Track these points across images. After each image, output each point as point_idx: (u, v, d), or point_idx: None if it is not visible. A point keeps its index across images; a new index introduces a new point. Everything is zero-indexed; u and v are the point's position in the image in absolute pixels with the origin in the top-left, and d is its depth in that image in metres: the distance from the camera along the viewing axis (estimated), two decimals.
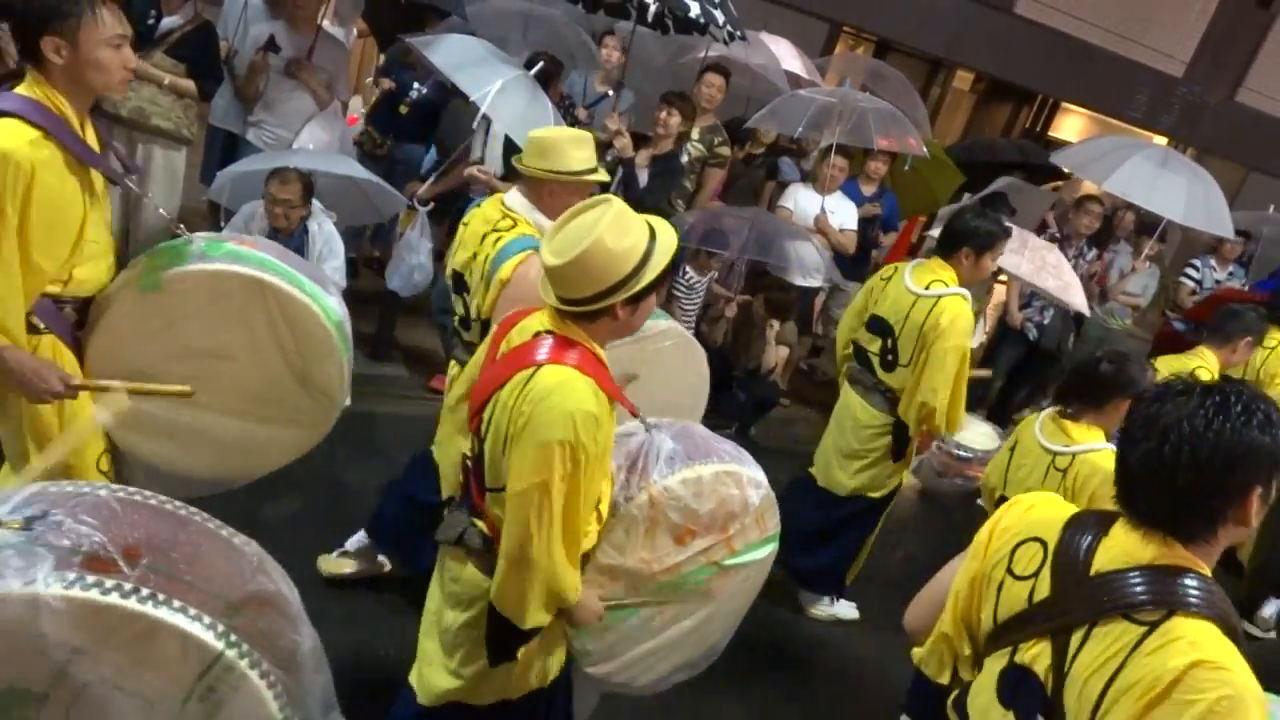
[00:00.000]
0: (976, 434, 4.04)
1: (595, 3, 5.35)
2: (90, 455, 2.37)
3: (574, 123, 5.64)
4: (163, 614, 1.27)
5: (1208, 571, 1.43)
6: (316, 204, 4.20)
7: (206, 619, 1.31)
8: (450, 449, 2.32)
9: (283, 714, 1.38)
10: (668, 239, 1.93)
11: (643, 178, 4.79)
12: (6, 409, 2.29)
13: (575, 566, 2.00)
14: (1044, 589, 1.51)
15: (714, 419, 3.62)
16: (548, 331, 1.93)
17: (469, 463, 2.10)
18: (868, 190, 6.12)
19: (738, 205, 5.72)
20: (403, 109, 5.47)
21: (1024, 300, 6.06)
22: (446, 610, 2.19)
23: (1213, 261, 7.17)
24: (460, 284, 2.87)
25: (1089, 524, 1.52)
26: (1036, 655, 1.49)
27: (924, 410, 3.44)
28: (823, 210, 5.68)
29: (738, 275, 5.63)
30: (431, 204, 4.63)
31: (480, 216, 2.82)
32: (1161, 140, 10.92)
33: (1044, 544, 1.54)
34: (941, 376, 3.36)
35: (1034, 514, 1.62)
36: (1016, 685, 1.52)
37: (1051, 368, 6.51)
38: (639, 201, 4.80)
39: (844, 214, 5.77)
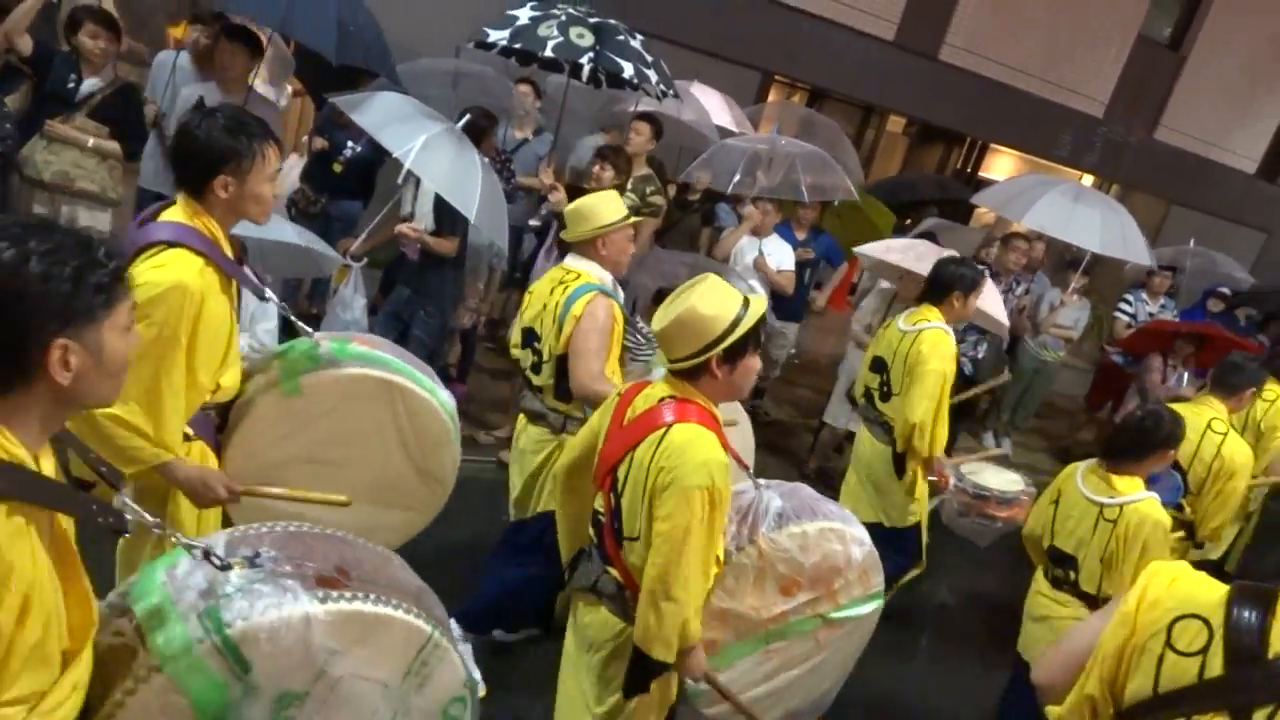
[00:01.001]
0: (996, 476, 4.29)
1: (529, 57, 5.45)
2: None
3: (510, 177, 5.71)
4: (389, 611, 1.58)
5: None
6: (246, 268, 4.17)
7: (415, 610, 1.62)
8: (567, 506, 2.54)
9: (469, 677, 1.71)
10: (758, 306, 2.22)
11: None
12: (154, 504, 2.29)
13: (699, 613, 2.22)
14: (1215, 667, 1.62)
15: None
16: (669, 396, 2.21)
17: (600, 517, 2.33)
18: (799, 235, 6.24)
19: (675, 250, 5.79)
20: (336, 167, 5.49)
21: (959, 336, 6.19)
22: (581, 653, 2.42)
23: (1144, 295, 7.43)
24: (531, 337, 3.25)
25: (1252, 601, 1.64)
26: None
27: (906, 427, 3.76)
28: (760, 253, 5.78)
29: None
30: (365, 259, 4.63)
31: (545, 279, 3.27)
32: (1088, 178, 11.34)
33: (1206, 622, 1.66)
34: (920, 392, 3.72)
35: (1181, 587, 1.73)
36: None
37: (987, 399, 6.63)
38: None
39: (781, 255, 5.88)
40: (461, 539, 4.19)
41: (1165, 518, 3.08)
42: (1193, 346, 6.01)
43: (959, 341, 6.11)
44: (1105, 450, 3.24)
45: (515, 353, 3.37)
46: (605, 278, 3.20)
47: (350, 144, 5.45)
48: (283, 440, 2.43)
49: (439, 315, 4.70)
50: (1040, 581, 3.40)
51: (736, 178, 5.85)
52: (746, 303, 2.21)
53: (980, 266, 6.45)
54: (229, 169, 2.20)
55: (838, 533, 2.46)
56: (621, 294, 3.32)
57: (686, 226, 6.46)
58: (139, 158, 4.70)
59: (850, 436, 5.96)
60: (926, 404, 3.70)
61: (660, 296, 5.25)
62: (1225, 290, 7.71)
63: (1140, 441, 3.16)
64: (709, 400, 2.24)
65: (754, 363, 2.25)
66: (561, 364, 3.11)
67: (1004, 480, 4.27)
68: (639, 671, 2.25)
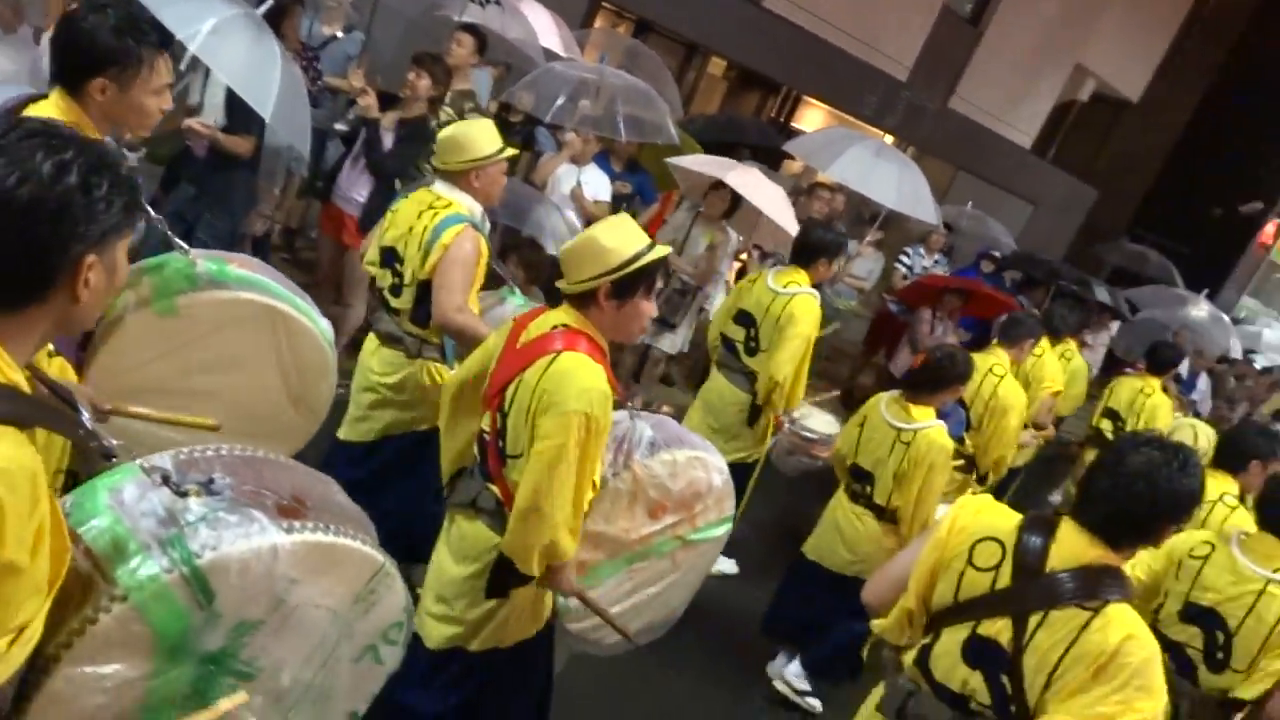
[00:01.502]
0: (820, 420, 4.70)
1: None
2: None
3: (317, 77, 5.31)
4: (347, 541, 1.60)
5: (1126, 569, 1.99)
6: None
7: (367, 539, 1.66)
8: (456, 425, 2.60)
9: (408, 603, 1.78)
10: (659, 252, 2.31)
11: (388, 140, 4.58)
12: None
13: (576, 533, 2.30)
14: (1005, 580, 1.99)
15: None
16: (562, 325, 2.29)
17: (486, 436, 2.41)
18: (616, 168, 6.23)
19: None
20: None
21: None
22: (452, 564, 2.50)
23: (922, 250, 8.00)
24: (392, 257, 3.18)
25: (1038, 528, 2.01)
26: (999, 630, 1.96)
27: (770, 384, 4.01)
28: (578, 184, 5.72)
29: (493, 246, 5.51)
30: (143, 150, 4.19)
31: (412, 201, 3.19)
32: (888, 138, 12.01)
33: (1001, 544, 2.01)
34: (786, 356, 3.97)
35: (984, 518, 2.08)
36: (980, 652, 1.99)
37: None
38: (381, 165, 4.59)
39: (597, 185, 5.84)
40: None
41: (949, 443, 3.60)
42: (960, 300, 6.64)
43: None
44: (907, 383, 3.71)
45: (373, 270, 3.30)
46: (475, 209, 3.16)
47: None
48: (152, 362, 2.30)
49: (227, 219, 4.34)
50: (841, 497, 3.84)
51: (559, 103, 5.73)
52: (652, 248, 2.29)
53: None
54: (110, 73, 2.04)
55: (702, 461, 2.69)
56: (488, 226, 3.29)
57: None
58: None
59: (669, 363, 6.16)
60: (791, 365, 3.99)
61: None
62: (996, 253, 8.47)
63: (938, 377, 3.63)
64: (599, 334, 2.31)
65: (645, 307, 2.34)
66: (423, 289, 3.08)
67: (824, 423, 4.71)
68: (502, 576, 2.37)
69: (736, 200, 5.29)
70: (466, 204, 3.13)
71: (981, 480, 4.72)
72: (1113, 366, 7.87)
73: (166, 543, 1.42)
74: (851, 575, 3.62)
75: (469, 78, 5.31)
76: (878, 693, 2.23)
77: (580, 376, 2.19)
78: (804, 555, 3.87)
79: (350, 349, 4.20)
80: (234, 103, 3.98)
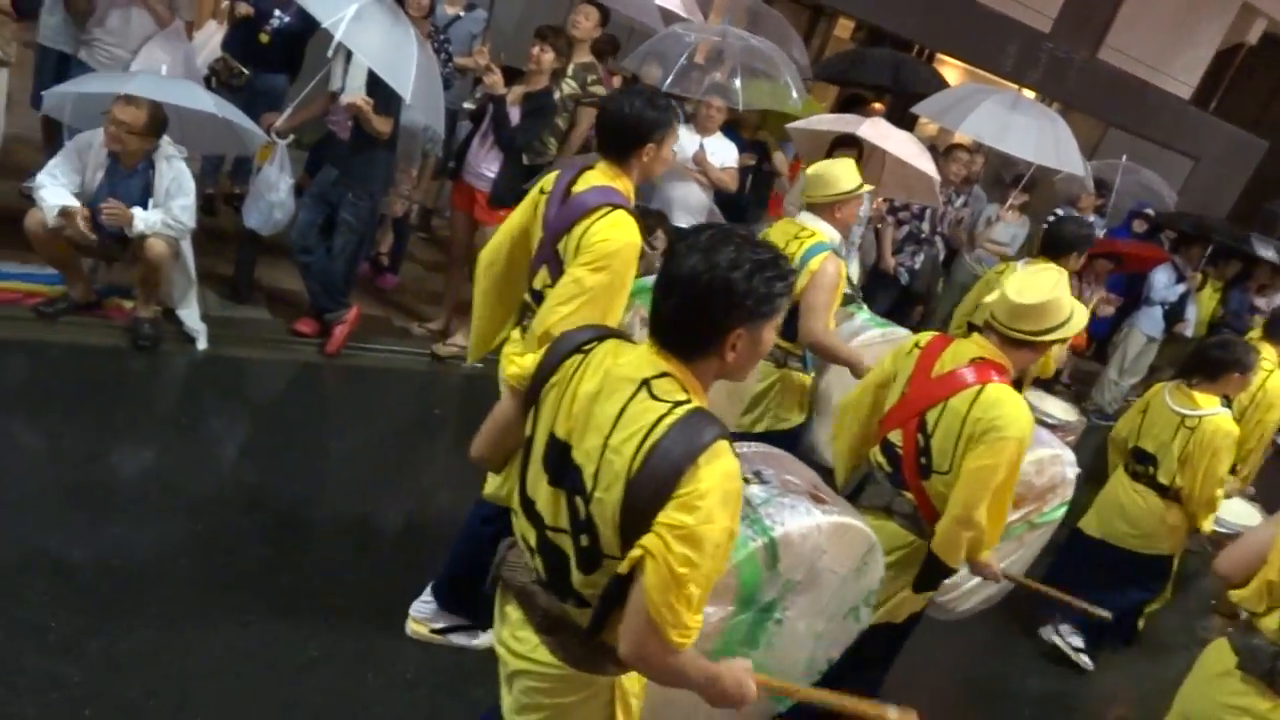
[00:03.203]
0: (1056, 406, 4.86)
1: None
2: None
3: (448, 59, 5.44)
4: (857, 523, 2.06)
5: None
6: (166, 139, 3.96)
7: (862, 520, 2.11)
8: (850, 431, 2.99)
9: (883, 574, 2.24)
10: (1081, 315, 2.65)
11: (514, 115, 4.66)
12: None
13: (997, 537, 2.68)
14: None
15: None
16: (979, 358, 2.61)
17: (898, 450, 2.73)
18: (746, 136, 6.12)
19: None
20: (263, 37, 5.18)
21: (896, 246, 6.24)
22: None
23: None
24: None
25: None
26: None
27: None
28: (701, 148, 5.64)
29: None
30: (291, 137, 4.41)
31: (778, 231, 3.62)
32: (1029, 94, 11.35)
33: None
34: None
35: None
36: None
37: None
38: (510, 141, 4.68)
39: (724, 154, 5.74)
40: (393, 429, 4.34)
41: (1234, 429, 3.73)
42: (1111, 263, 6.35)
43: (896, 252, 6.21)
44: (1182, 370, 3.96)
45: None
46: (835, 237, 3.55)
47: (278, 13, 5.14)
48: None
49: (368, 199, 4.52)
50: (1121, 476, 4.12)
51: (679, 65, 5.62)
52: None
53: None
54: (655, 137, 2.55)
55: (1059, 458, 3.02)
56: (845, 251, 3.68)
57: None
58: (31, 15, 4.37)
59: None
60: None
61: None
62: (1150, 211, 7.90)
63: (1210, 362, 3.78)
64: (1009, 362, 2.64)
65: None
66: (791, 309, 3.35)
67: (1062, 409, 4.81)
68: (932, 573, 2.70)
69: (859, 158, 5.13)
70: (828, 233, 3.51)
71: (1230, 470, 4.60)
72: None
73: (748, 520, 1.86)
74: (1128, 549, 3.95)
75: (589, 51, 5.34)
76: (1217, 658, 2.44)
77: (1011, 406, 2.50)
78: (1080, 530, 4.15)
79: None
80: (374, 86, 4.13)
